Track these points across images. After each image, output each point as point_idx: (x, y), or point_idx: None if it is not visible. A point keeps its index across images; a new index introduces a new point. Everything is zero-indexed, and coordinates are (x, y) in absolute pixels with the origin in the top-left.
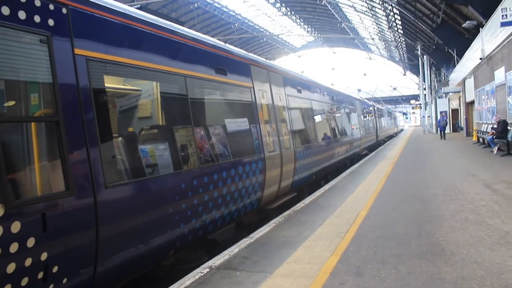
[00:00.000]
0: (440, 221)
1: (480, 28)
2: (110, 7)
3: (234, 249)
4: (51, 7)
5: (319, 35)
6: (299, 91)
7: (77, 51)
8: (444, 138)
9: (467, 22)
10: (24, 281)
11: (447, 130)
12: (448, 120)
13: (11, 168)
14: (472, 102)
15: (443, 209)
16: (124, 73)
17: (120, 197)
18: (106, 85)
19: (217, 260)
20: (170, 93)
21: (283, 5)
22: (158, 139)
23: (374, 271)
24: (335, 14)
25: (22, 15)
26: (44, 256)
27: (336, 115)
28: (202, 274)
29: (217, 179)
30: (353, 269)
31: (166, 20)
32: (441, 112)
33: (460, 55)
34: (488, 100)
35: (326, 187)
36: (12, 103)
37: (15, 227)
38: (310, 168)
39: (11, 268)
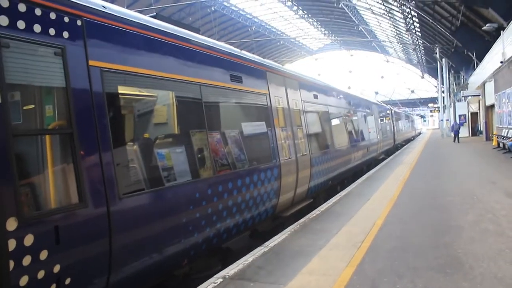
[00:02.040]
0: (459, 231)
1: (501, 31)
2: (124, 17)
3: (248, 258)
4: (66, 19)
5: (336, 37)
6: (315, 97)
7: (91, 62)
8: (458, 141)
9: (487, 24)
10: None
11: (466, 134)
12: (467, 123)
13: (25, 181)
14: (492, 106)
15: (462, 219)
16: (138, 83)
17: (133, 208)
18: (120, 96)
19: (230, 270)
20: (185, 102)
21: (300, 8)
22: (172, 149)
23: (390, 284)
24: (352, 17)
25: (37, 28)
26: (57, 268)
27: (353, 119)
28: (216, 284)
29: (231, 188)
30: (368, 282)
31: (181, 28)
32: (459, 116)
33: (480, 58)
34: (509, 104)
35: (342, 193)
36: (27, 115)
37: (28, 240)
38: (326, 174)
39: (23, 280)
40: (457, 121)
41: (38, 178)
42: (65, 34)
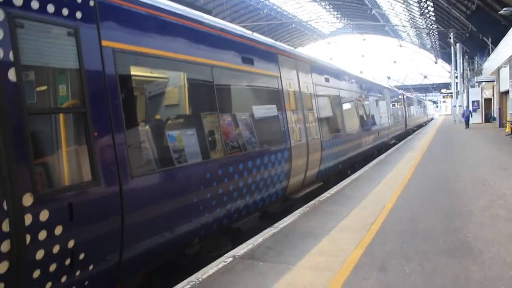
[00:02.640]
0: (469, 216)
1: None
2: None
3: (258, 239)
4: (79, 0)
5: (348, 21)
6: (327, 80)
7: (104, 42)
8: (468, 127)
9: (504, 8)
10: (52, 267)
11: (479, 120)
12: (480, 109)
13: (40, 158)
14: (507, 92)
15: (472, 204)
16: (150, 63)
17: (146, 187)
18: (132, 76)
19: (240, 250)
20: (197, 83)
21: None
22: (184, 130)
23: (398, 266)
24: (365, 0)
25: (50, 8)
26: (71, 243)
27: (364, 103)
28: (226, 263)
29: (242, 169)
30: (377, 263)
31: (193, 10)
32: (473, 102)
33: (495, 43)
34: None
35: (353, 177)
36: (41, 94)
37: (44, 215)
38: (336, 157)
39: (39, 254)
40: (469, 107)
41: (52, 156)
42: (78, 15)
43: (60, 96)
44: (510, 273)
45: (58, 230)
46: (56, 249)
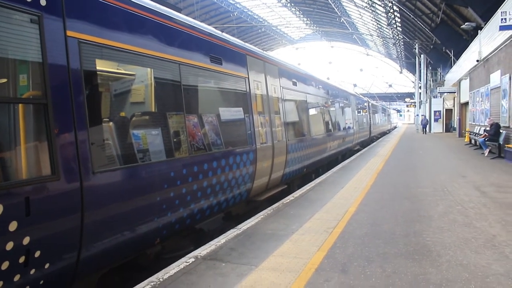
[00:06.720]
0: (428, 221)
1: (479, 30)
2: None
3: (221, 240)
4: None
5: (317, 28)
6: (294, 84)
7: (69, 33)
8: (425, 133)
9: (466, 23)
10: (4, 265)
11: (440, 130)
12: (442, 119)
13: None
14: (466, 103)
15: (432, 209)
16: (117, 57)
17: (107, 183)
18: (97, 69)
19: (203, 250)
20: (164, 80)
21: None
22: (149, 126)
23: (360, 268)
24: (334, 8)
25: None
26: (26, 240)
27: (330, 109)
28: (188, 263)
29: (207, 169)
30: (338, 265)
31: (163, 6)
32: (435, 112)
33: (457, 56)
34: (482, 102)
35: (317, 181)
36: None
37: None
38: (301, 161)
39: None
40: (426, 116)
41: (9, 147)
42: (43, 2)
43: (20, 86)
44: (465, 275)
45: (13, 226)
46: (9, 246)
